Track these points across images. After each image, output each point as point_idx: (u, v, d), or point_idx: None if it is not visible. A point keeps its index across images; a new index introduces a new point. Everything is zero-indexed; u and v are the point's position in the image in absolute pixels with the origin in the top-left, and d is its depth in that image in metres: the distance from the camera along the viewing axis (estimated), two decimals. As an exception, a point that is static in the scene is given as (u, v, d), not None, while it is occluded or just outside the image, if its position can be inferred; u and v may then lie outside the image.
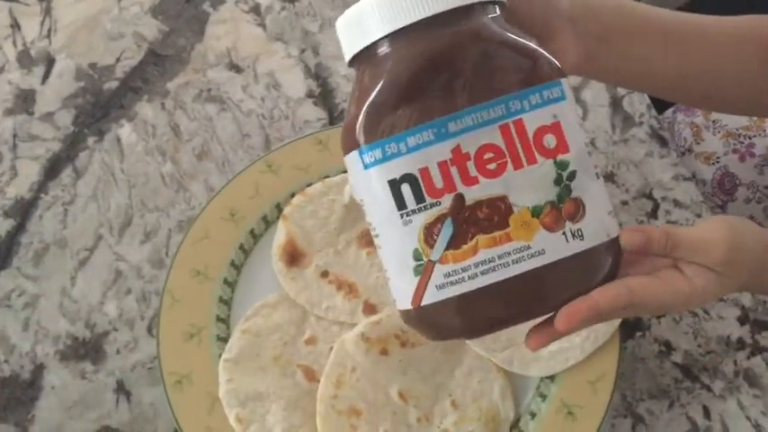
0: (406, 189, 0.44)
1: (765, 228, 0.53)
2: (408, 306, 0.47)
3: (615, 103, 0.85)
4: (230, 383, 0.68)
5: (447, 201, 0.44)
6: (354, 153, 0.46)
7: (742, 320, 0.74)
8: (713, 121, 0.93)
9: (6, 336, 0.75)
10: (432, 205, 0.44)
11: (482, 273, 0.44)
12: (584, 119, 0.84)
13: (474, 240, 0.44)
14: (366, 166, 0.46)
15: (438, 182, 0.44)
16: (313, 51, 0.89)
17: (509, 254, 0.44)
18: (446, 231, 0.44)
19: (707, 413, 0.70)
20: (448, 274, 0.45)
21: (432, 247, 0.45)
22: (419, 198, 0.44)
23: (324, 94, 0.87)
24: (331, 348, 0.69)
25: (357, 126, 0.46)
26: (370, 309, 0.71)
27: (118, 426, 0.71)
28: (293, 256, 0.73)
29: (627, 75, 0.63)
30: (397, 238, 0.46)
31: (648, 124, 0.84)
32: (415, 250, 0.45)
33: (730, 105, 0.72)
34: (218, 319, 0.71)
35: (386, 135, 0.44)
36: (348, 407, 0.66)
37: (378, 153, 0.45)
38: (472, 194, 0.44)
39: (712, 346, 0.73)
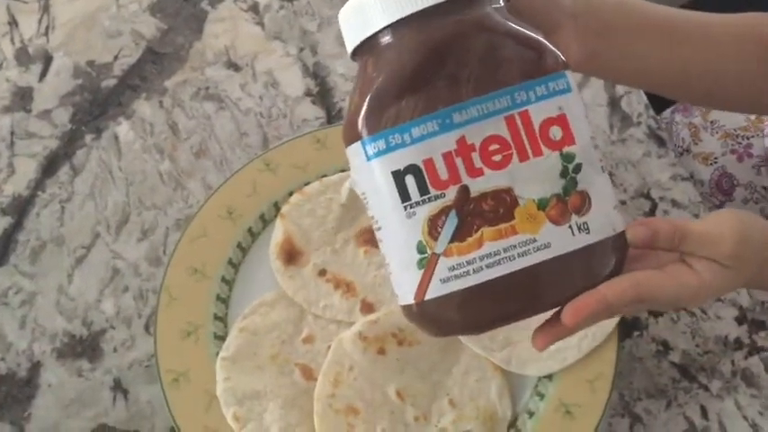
0: (410, 180, 0.44)
1: None
2: (411, 301, 0.46)
3: (613, 103, 0.85)
4: (227, 382, 0.68)
5: (452, 193, 0.44)
6: (357, 144, 0.46)
7: (740, 320, 0.74)
8: (711, 122, 0.93)
9: (3, 333, 0.75)
10: (436, 197, 0.44)
11: (487, 266, 0.44)
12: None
13: (479, 233, 0.43)
14: (369, 158, 0.45)
15: (443, 173, 0.43)
16: (311, 50, 0.89)
17: (514, 247, 0.43)
18: (451, 224, 0.44)
19: (704, 413, 0.70)
20: (452, 268, 0.44)
21: (436, 239, 0.44)
22: (423, 190, 0.44)
23: (322, 93, 0.86)
24: (328, 347, 0.69)
25: (360, 117, 0.45)
26: (367, 307, 0.71)
27: (115, 424, 0.71)
28: (291, 255, 0.73)
29: (627, 72, 0.63)
30: (400, 231, 0.45)
31: (646, 124, 0.84)
32: (419, 243, 0.45)
33: (732, 104, 0.72)
34: (216, 317, 0.71)
35: (389, 126, 0.44)
36: (345, 406, 0.66)
37: (381, 144, 0.44)
38: (477, 186, 0.43)
39: (710, 345, 0.73)
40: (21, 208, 0.81)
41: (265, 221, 0.75)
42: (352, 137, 0.46)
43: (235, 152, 0.83)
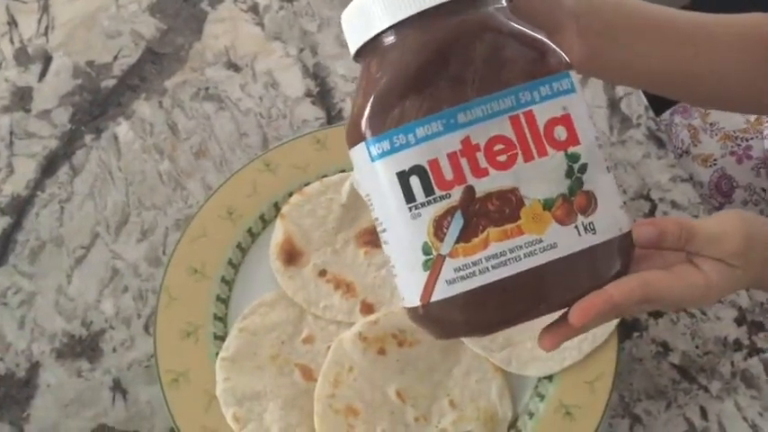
0: (414, 181, 0.44)
1: None
2: (417, 303, 0.46)
3: (613, 105, 0.85)
4: (227, 382, 0.68)
5: (457, 193, 0.43)
6: (361, 145, 0.45)
7: (739, 321, 0.74)
8: (710, 124, 0.93)
9: (2, 334, 0.75)
10: (441, 198, 0.43)
11: (493, 267, 0.43)
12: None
13: (485, 233, 0.43)
14: (373, 159, 0.45)
15: (448, 174, 0.43)
16: (311, 51, 0.89)
17: (521, 247, 0.43)
18: (456, 224, 0.43)
19: (704, 414, 0.70)
20: (458, 269, 0.44)
21: (441, 240, 0.44)
22: (428, 190, 0.44)
23: (322, 94, 0.86)
24: (328, 347, 0.69)
25: (364, 117, 0.45)
26: (367, 308, 0.71)
27: (114, 424, 0.71)
28: (291, 255, 0.73)
29: (630, 72, 0.63)
30: (405, 233, 0.45)
31: (646, 126, 0.84)
32: (425, 244, 0.44)
33: (735, 104, 0.72)
34: (216, 317, 0.71)
35: (394, 126, 0.44)
36: (345, 406, 0.66)
37: (385, 145, 0.44)
38: (483, 187, 0.43)
39: (709, 347, 0.73)
40: (20, 208, 0.81)
41: (265, 222, 0.75)
42: (355, 138, 0.46)
43: (235, 152, 0.83)
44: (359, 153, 0.46)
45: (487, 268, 0.43)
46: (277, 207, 0.75)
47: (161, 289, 0.71)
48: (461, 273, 0.44)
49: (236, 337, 0.69)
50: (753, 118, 0.92)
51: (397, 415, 0.67)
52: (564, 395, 0.67)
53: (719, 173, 0.90)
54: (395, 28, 0.45)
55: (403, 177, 0.44)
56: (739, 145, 0.91)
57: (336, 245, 0.74)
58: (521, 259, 0.43)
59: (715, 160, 0.91)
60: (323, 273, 0.73)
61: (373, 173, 0.45)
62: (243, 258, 0.74)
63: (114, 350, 0.74)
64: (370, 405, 0.66)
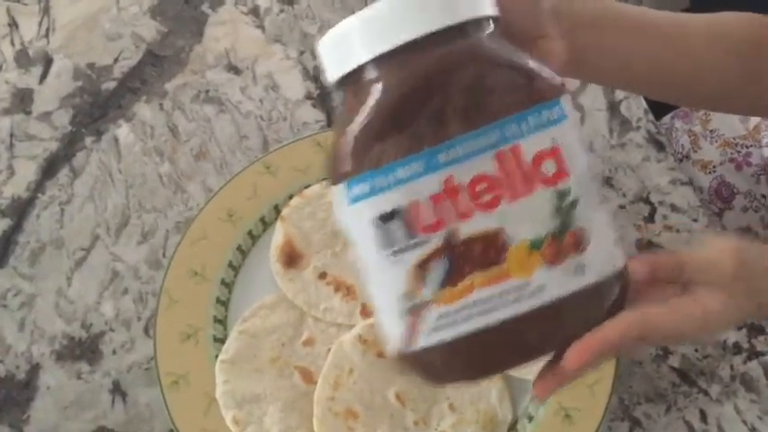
0: (395, 225, 0.41)
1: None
2: (400, 349, 0.43)
3: (613, 108, 0.85)
4: (227, 384, 0.68)
5: (439, 237, 0.41)
6: (340, 186, 0.43)
7: (739, 325, 0.74)
8: (710, 131, 0.93)
9: (2, 336, 0.75)
10: (423, 242, 0.41)
11: (479, 314, 0.41)
12: (581, 123, 0.84)
13: (469, 279, 0.41)
14: (351, 201, 0.42)
15: (429, 217, 0.41)
16: (312, 53, 0.89)
17: (507, 292, 0.41)
18: (439, 270, 0.41)
19: (704, 417, 0.70)
20: (441, 316, 0.41)
21: (424, 286, 0.41)
22: (409, 235, 0.41)
23: (322, 96, 0.86)
24: (328, 350, 0.69)
25: (341, 158, 0.42)
26: (367, 311, 0.71)
27: (113, 426, 0.71)
28: (291, 258, 0.73)
29: (614, 74, 0.61)
30: (385, 278, 0.42)
31: (646, 128, 0.84)
32: (406, 290, 0.42)
33: (719, 104, 0.70)
34: (216, 320, 0.71)
35: (372, 167, 0.41)
36: (345, 409, 0.66)
37: (364, 187, 0.41)
38: (466, 229, 0.41)
39: (709, 350, 0.73)
40: (20, 210, 0.81)
41: (265, 224, 0.75)
42: (334, 178, 0.43)
43: (235, 155, 0.83)
44: (338, 194, 0.43)
45: (472, 315, 0.41)
46: (277, 209, 0.75)
47: (161, 291, 0.71)
48: (445, 320, 0.42)
49: (236, 340, 0.70)
50: (752, 126, 0.92)
51: (396, 418, 0.67)
52: (563, 398, 0.67)
53: (719, 179, 0.90)
54: (375, 61, 0.42)
55: (383, 221, 0.41)
56: (739, 152, 0.91)
57: (336, 247, 0.74)
58: (508, 305, 0.41)
59: (714, 167, 0.91)
60: (323, 275, 0.73)
61: (352, 215, 0.43)
62: (243, 261, 0.74)
63: (114, 352, 0.74)
64: (370, 408, 0.67)
